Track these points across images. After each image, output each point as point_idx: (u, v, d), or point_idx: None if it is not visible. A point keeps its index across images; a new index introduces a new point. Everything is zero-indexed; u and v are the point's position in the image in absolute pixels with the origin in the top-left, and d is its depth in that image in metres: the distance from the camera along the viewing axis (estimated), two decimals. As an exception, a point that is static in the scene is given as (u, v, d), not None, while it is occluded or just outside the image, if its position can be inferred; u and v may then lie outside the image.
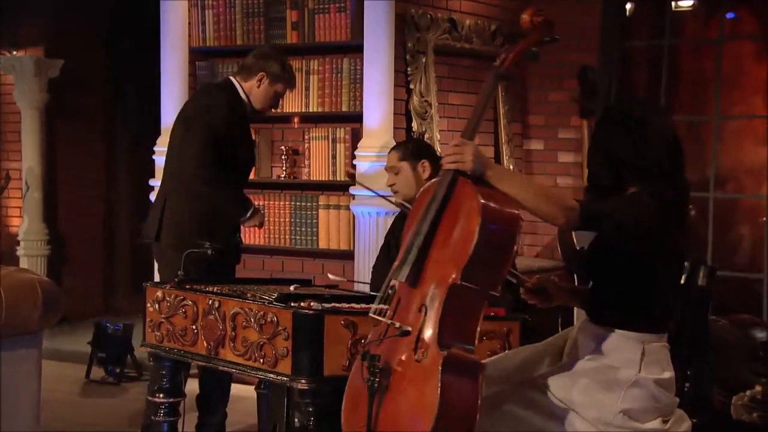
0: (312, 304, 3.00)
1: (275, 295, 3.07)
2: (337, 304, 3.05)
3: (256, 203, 4.49)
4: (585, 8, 5.98)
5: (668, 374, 2.72)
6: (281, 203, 5.48)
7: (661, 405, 2.70)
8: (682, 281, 3.00)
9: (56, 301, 3.94)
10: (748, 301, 5.79)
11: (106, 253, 7.78)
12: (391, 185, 3.89)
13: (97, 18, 7.38)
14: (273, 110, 4.48)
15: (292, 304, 2.97)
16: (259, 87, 4.16)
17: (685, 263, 3.02)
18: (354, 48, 5.28)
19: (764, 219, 5.85)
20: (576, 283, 5.48)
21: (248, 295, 3.14)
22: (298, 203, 5.45)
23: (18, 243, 7.17)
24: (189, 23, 5.69)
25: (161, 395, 3.42)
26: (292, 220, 5.46)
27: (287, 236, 5.48)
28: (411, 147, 3.96)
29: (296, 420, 3.02)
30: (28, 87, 7.09)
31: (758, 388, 4.29)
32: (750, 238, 6.02)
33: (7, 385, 3.82)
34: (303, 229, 5.43)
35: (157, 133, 5.71)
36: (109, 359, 5.45)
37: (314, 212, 5.38)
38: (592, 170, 2.76)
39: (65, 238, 7.43)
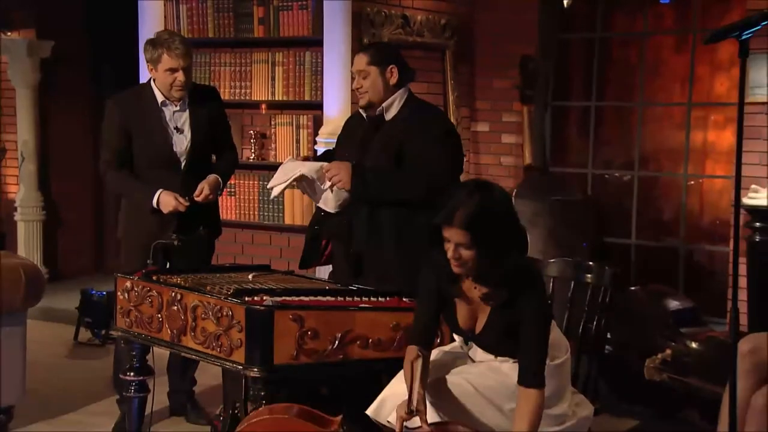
0: (264, 298, 2.96)
1: (232, 289, 3.04)
2: (287, 298, 3.01)
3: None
4: (526, 2, 5.93)
5: (564, 357, 2.73)
6: (250, 182, 5.43)
7: (562, 388, 2.70)
8: (590, 280, 2.99)
9: (38, 284, 3.91)
10: (667, 268, 5.84)
11: (95, 216, 7.72)
12: (358, 88, 3.56)
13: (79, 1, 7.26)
14: (178, 89, 3.81)
15: (246, 299, 2.93)
16: (155, 76, 3.84)
17: (591, 263, 3.03)
18: (315, 42, 5.21)
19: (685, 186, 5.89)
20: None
21: (207, 288, 3.09)
22: (265, 183, 5.33)
23: (15, 209, 7.11)
24: (165, 16, 5.60)
25: (132, 374, 3.38)
26: (260, 198, 5.43)
27: (256, 212, 5.46)
28: (380, 51, 3.59)
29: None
30: (21, 67, 6.98)
31: (668, 351, 4.35)
32: (669, 212, 6.05)
33: (-6, 360, 3.80)
34: (270, 206, 5.41)
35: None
36: (95, 323, 5.40)
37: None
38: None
39: (58, 204, 7.36)
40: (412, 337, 2.71)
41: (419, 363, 2.55)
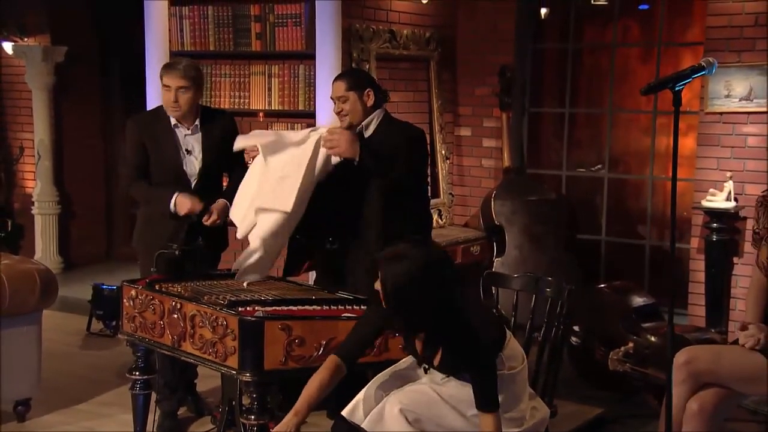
0: (256, 308, 3.06)
1: (227, 299, 3.14)
2: (277, 308, 3.11)
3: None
4: (503, 16, 6.02)
5: (520, 366, 2.78)
6: (248, 185, 5.49)
7: (518, 393, 2.78)
8: (549, 294, 3.08)
9: (52, 287, 4.01)
10: (633, 262, 5.95)
11: (106, 208, 7.82)
12: (339, 112, 3.64)
13: (90, 7, 7.32)
14: (171, 108, 3.81)
15: (240, 310, 3.03)
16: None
17: (550, 278, 3.12)
18: (308, 56, 5.27)
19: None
20: (495, 254, 5.61)
21: (204, 298, 3.19)
22: (262, 185, 5.47)
23: (33, 203, 7.20)
24: (169, 30, 5.63)
25: (137, 373, 3.50)
26: (258, 198, 5.49)
27: (253, 212, 5.52)
28: (356, 77, 3.69)
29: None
30: (37, 71, 7.04)
31: (630, 344, 4.44)
32: (636, 211, 6.15)
33: (11, 357, 3.90)
34: (266, 206, 5.47)
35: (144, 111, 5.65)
36: (106, 315, 5.47)
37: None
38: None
39: (72, 198, 7.44)
40: (342, 349, 2.77)
41: (329, 378, 2.68)
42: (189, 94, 3.82)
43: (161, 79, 3.83)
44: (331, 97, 3.68)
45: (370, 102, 3.62)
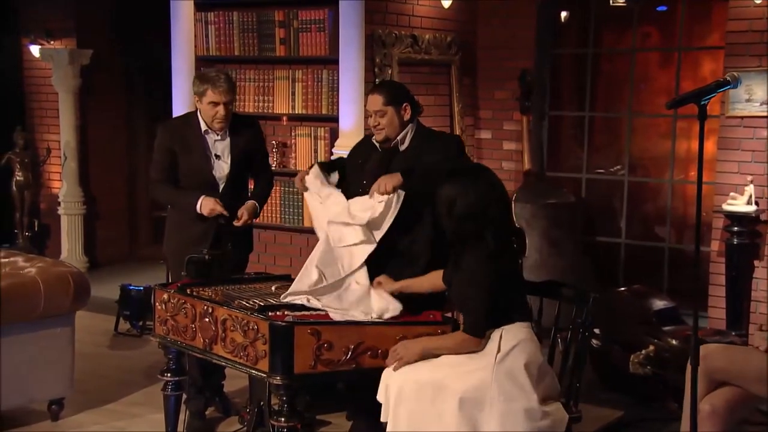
0: (286, 313, 3.13)
1: (257, 304, 3.20)
2: (306, 313, 3.17)
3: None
4: (523, 22, 6.05)
5: (516, 347, 2.90)
6: (273, 187, 5.54)
7: (518, 373, 2.87)
8: (573, 301, 3.13)
9: (85, 289, 4.09)
10: (653, 265, 5.97)
11: (130, 209, 7.91)
12: (375, 126, 3.59)
13: (115, 11, 7.42)
14: (218, 121, 3.88)
15: (270, 314, 3.09)
16: (199, 107, 3.92)
17: (574, 285, 3.17)
18: (332, 61, 5.33)
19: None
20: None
21: (235, 302, 3.25)
22: (286, 188, 5.55)
23: (59, 204, 7.30)
24: (195, 36, 5.72)
25: (169, 374, 3.57)
26: (282, 202, 5.57)
27: (278, 215, 5.60)
28: (395, 91, 3.63)
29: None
30: (63, 73, 7.14)
31: (651, 347, 4.46)
32: (656, 214, 6.17)
33: (46, 357, 3.99)
34: (290, 209, 5.55)
35: (168, 113, 5.73)
36: (133, 316, 5.54)
37: (300, 196, 5.41)
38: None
39: (97, 198, 7.54)
40: None
41: None
42: (231, 106, 3.91)
43: (204, 94, 3.84)
44: (367, 110, 3.66)
45: (407, 116, 3.58)
